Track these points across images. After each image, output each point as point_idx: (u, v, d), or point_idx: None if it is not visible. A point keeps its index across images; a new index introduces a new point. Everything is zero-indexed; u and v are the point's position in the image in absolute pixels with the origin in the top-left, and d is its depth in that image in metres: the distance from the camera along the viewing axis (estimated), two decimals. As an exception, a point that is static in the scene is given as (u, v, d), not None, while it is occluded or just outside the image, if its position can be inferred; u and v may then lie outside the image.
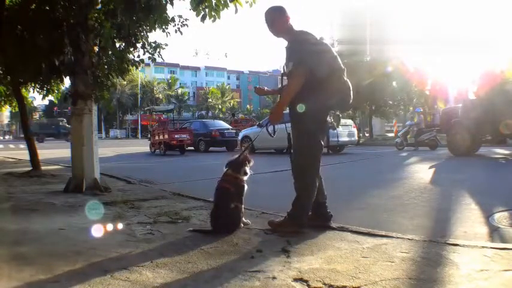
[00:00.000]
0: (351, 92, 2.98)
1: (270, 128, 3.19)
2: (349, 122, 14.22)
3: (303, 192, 2.93)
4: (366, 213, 3.84)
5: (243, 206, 3.04)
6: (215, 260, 2.37)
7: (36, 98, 64.45)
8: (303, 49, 2.89)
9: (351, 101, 3.00)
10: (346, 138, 13.19)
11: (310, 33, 3.00)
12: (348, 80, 2.97)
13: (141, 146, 22.87)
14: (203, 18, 5.48)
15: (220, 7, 5.49)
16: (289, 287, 1.96)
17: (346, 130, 13.05)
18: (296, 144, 2.97)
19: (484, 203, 4.12)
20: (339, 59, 3.00)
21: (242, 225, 3.04)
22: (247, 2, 5.55)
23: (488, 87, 10.04)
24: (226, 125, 18.69)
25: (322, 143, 3.00)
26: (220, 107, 67.22)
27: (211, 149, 16.91)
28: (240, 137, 14.75)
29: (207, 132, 16.85)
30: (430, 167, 8.20)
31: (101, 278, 2.08)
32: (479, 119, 9.76)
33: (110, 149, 19.06)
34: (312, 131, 2.92)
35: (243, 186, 3.01)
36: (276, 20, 3.03)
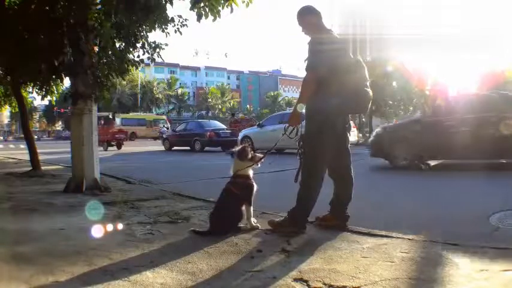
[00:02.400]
0: (364, 94, 2.98)
1: (289, 130, 3.12)
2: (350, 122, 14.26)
3: (304, 193, 2.93)
4: (366, 213, 3.83)
5: (251, 207, 3.03)
6: (215, 260, 2.37)
7: (36, 98, 64.52)
8: (314, 51, 2.90)
9: (364, 104, 3.01)
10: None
11: (327, 33, 3.01)
12: (362, 83, 2.98)
13: (141, 146, 22.89)
14: (199, 18, 5.50)
15: (217, 6, 5.50)
16: (289, 287, 1.96)
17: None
18: (304, 144, 2.98)
19: (484, 203, 4.11)
20: (355, 60, 3.00)
21: (249, 226, 3.03)
22: (243, 2, 5.56)
23: (484, 87, 10.07)
24: (221, 125, 18.76)
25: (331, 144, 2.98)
26: (220, 107, 67.26)
27: (206, 148, 16.98)
28: (240, 137, 14.76)
29: (202, 133, 16.96)
30: (430, 167, 8.20)
31: (101, 278, 2.08)
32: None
33: (110, 148, 19.05)
34: (314, 132, 2.92)
35: (252, 186, 3.01)
36: (302, 18, 3.08)
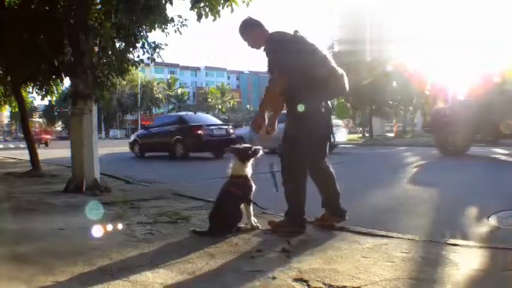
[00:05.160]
0: (341, 79, 2.93)
1: (253, 134, 3.12)
2: (340, 122, 14.46)
3: (290, 192, 2.96)
4: (366, 213, 3.83)
5: (251, 207, 3.03)
6: (215, 260, 2.37)
7: (36, 98, 64.39)
8: (280, 49, 2.87)
9: (343, 88, 2.97)
10: (337, 139, 13.50)
11: (285, 32, 2.96)
12: (338, 72, 2.93)
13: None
14: (199, 18, 5.50)
15: (217, 6, 5.51)
16: (289, 287, 1.96)
17: (337, 131, 13.34)
18: (288, 145, 2.98)
19: (483, 203, 4.11)
20: (327, 57, 2.97)
21: (249, 226, 3.02)
22: (243, 2, 5.56)
23: (480, 87, 10.06)
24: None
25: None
26: (220, 107, 67.26)
27: None
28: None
29: None
30: (430, 167, 8.20)
31: (100, 278, 2.08)
32: (469, 119, 9.74)
33: (110, 148, 19.06)
34: (297, 133, 2.92)
35: (251, 186, 3.01)
36: (248, 33, 3.03)
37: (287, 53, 2.86)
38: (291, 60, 2.84)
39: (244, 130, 15.29)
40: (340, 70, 2.95)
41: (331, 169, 3.09)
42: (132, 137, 14.96)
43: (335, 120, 13.77)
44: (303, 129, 2.90)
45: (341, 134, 13.60)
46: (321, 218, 3.12)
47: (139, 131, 16.30)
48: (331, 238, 2.77)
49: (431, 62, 23.00)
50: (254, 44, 3.06)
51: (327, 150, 3.10)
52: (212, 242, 2.70)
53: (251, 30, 3.03)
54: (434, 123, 11.68)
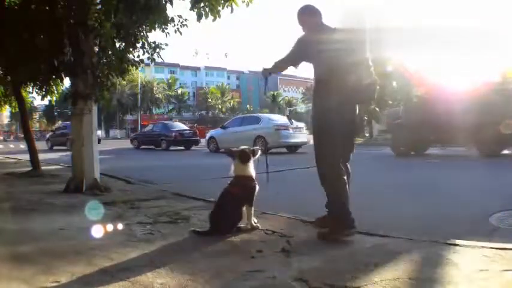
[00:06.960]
0: (367, 89, 2.95)
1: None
2: (301, 124, 14.68)
3: (330, 189, 2.84)
4: (366, 213, 3.83)
5: (252, 207, 3.02)
6: (215, 260, 2.37)
7: (36, 98, 64.34)
8: (295, 46, 3.02)
9: (368, 95, 3.00)
10: (297, 140, 13.93)
11: (329, 32, 3.02)
12: (363, 82, 2.92)
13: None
14: (199, 18, 5.51)
15: (217, 6, 5.52)
16: (289, 287, 1.96)
17: (297, 132, 13.89)
18: (315, 138, 2.97)
19: (484, 202, 4.11)
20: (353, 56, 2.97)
21: (249, 226, 3.02)
22: (243, 2, 5.57)
23: (432, 90, 10.21)
24: (185, 127, 20.93)
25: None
26: (220, 107, 67.24)
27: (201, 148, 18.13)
28: (207, 137, 16.30)
29: (168, 133, 18.59)
30: (429, 168, 8.20)
31: (101, 278, 2.08)
32: (422, 121, 9.80)
33: (111, 149, 19.08)
34: (320, 129, 2.90)
35: (255, 187, 3.00)
36: (301, 17, 3.14)
37: (306, 52, 3.00)
38: (314, 59, 2.96)
39: (216, 131, 16.67)
40: (366, 81, 2.92)
41: (350, 170, 3.06)
42: (47, 136, 24.19)
43: (296, 123, 14.10)
44: (324, 123, 2.88)
45: (302, 135, 14.18)
46: (323, 218, 3.11)
47: (50, 134, 24.07)
48: (331, 238, 2.76)
49: (431, 62, 23.00)
50: (303, 29, 3.16)
51: (352, 145, 3.08)
52: (212, 242, 2.70)
53: (299, 16, 3.16)
54: (388, 125, 12.01)
